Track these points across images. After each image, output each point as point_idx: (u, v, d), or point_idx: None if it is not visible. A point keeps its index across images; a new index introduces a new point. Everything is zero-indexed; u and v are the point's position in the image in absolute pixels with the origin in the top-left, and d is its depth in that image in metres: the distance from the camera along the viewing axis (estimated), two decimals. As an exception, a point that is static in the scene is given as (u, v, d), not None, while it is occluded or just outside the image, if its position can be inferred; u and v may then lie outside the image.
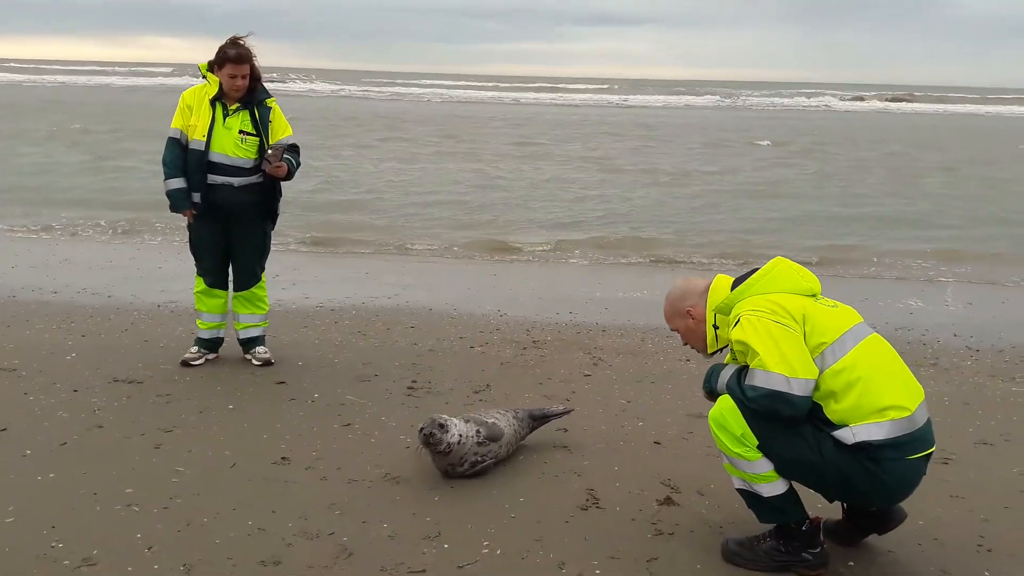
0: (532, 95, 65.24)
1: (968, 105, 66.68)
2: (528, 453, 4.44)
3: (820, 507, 3.59)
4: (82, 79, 67.03)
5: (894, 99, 72.17)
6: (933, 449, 3.21)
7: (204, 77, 5.51)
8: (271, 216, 5.72)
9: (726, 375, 3.34)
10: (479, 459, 4.09)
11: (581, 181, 17.74)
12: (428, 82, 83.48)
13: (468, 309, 7.56)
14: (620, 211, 14.16)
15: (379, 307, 7.54)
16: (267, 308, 5.89)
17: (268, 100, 5.57)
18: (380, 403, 5.12)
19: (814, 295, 3.34)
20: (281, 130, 5.59)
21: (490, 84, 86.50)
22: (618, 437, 4.71)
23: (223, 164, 5.44)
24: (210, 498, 3.84)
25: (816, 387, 3.10)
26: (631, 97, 65.70)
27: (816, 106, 61.74)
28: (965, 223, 13.76)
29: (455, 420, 4.08)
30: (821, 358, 3.12)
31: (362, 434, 4.65)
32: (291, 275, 8.67)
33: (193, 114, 5.44)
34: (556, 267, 10.17)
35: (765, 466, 3.21)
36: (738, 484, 3.34)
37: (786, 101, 66.67)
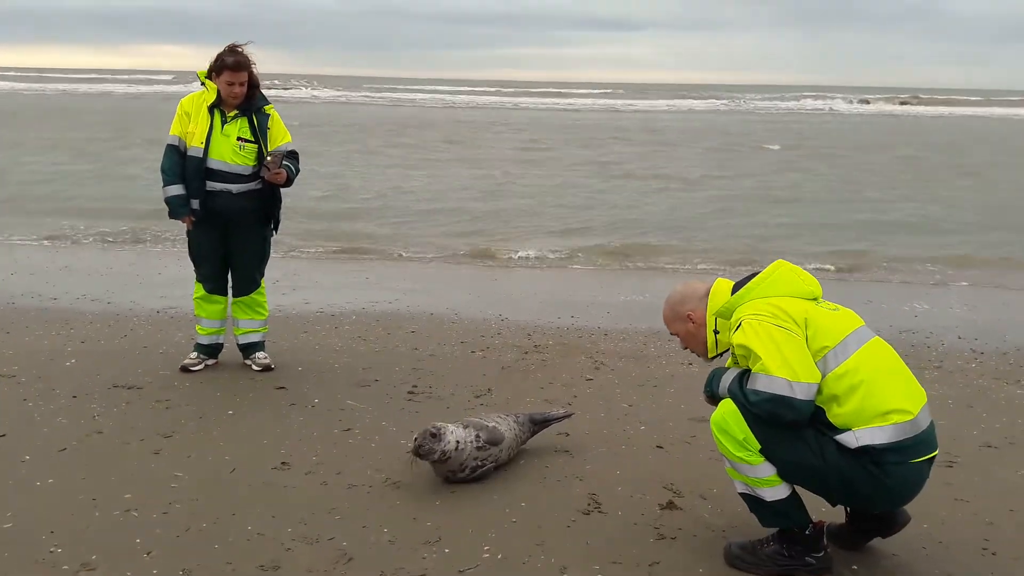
0: (535, 100, 65.28)
1: (974, 108, 66.29)
2: (529, 457, 4.42)
3: (824, 511, 3.56)
4: (83, 87, 67.17)
5: (902, 102, 71.98)
6: (936, 453, 3.20)
7: (203, 84, 5.50)
8: (271, 222, 5.71)
9: (728, 379, 3.32)
10: (479, 463, 4.07)
11: (589, 186, 17.68)
12: (430, 87, 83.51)
13: (469, 314, 7.54)
14: (629, 216, 14.04)
15: (379, 312, 7.52)
16: (267, 314, 5.88)
17: (267, 107, 5.56)
18: (380, 408, 5.10)
19: (815, 298, 3.32)
20: (280, 137, 5.58)
21: (492, 89, 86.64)
22: (620, 441, 4.69)
23: (221, 171, 5.43)
24: (209, 503, 3.83)
25: (819, 391, 3.08)
26: (636, 102, 65.69)
27: (822, 109, 61.69)
28: (977, 228, 13.51)
29: (451, 427, 4.05)
30: (823, 362, 3.10)
31: (362, 439, 4.63)
32: (291, 280, 8.67)
33: (191, 121, 5.43)
34: (558, 272, 10.16)
35: (768, 470, 3.19)
36: (741, 488, 3.32)
37: (790, 104, 66.69)
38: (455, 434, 4.00)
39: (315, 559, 3.38)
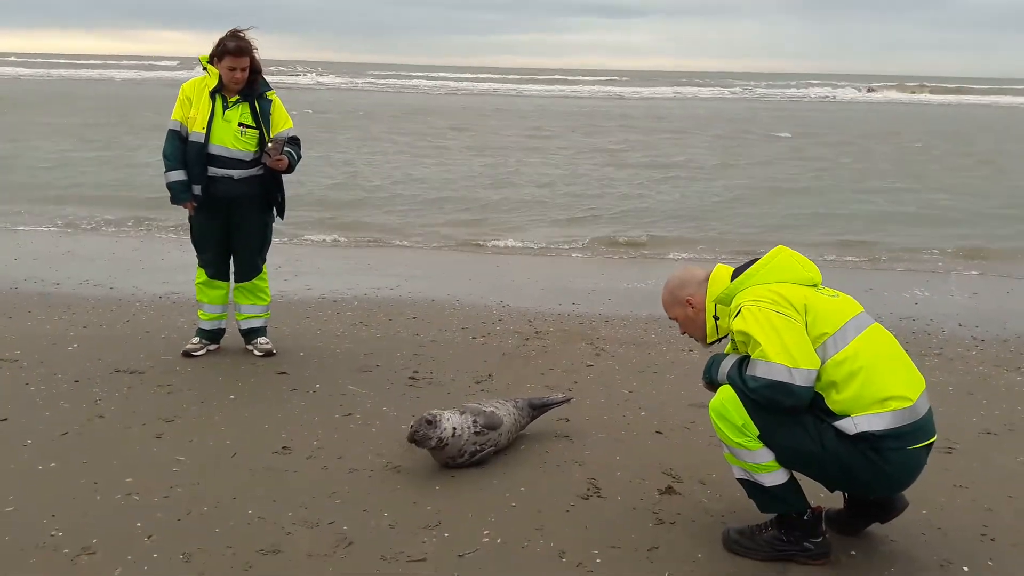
0: (538, 87, 65.08)
1: (983, 96, 65.60)
2: (529, 442, 4.43)
3: (822, 496, 3.57)
4: (85, 73, 67.04)
5: (912, 90, 71.47)
6: (934, 439, 3.20)
7: (204, 69, 5.49)
8: (272, 208, 5.71)
9: (727, 365, 3.32)
10: (478, 448, 4.08)
11: (597, 174, 17.58)
12: (434, 74, 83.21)
13: (471, 300, 7.55)
14: (641, 206, 13.88)
15: (381, 298, 7.53)
16: (269, 299, 5.88)
17: (268, 92, 5.54)
18: (382, 393, 5.11)
19: (815, 285, 3.32)
20: (282, 122, 5.57)
21: (497, 76, 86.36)
22: (620, 427, 4.70)
23: (222, 157, 5.42)
24: (210, 487, 3.84)
25: (818, 377, 3.08)
26: (641, 89, 65.43)
27: (828, 97, 61.41)
28: (990, 218, 13.30)
29: (447, 413, 4.06)
30: (823, 348, 3.10)
31: (363, 424, 4.64)
32: (293, 266, 8.67)
33: (193, 106, 5.42)
34: (559, 259, 10.15)
35: (766, 456, 3.20)
36: (739, 474, 3.33)
37: (797, 92, 66.41)
38: (451, 420, 4.01)
39: (315, 543, 3.40)
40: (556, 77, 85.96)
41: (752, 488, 3.32)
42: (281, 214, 5.77)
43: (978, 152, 23.50)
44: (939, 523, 3.67)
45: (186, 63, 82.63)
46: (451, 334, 6.45)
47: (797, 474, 3.28)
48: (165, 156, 5.48)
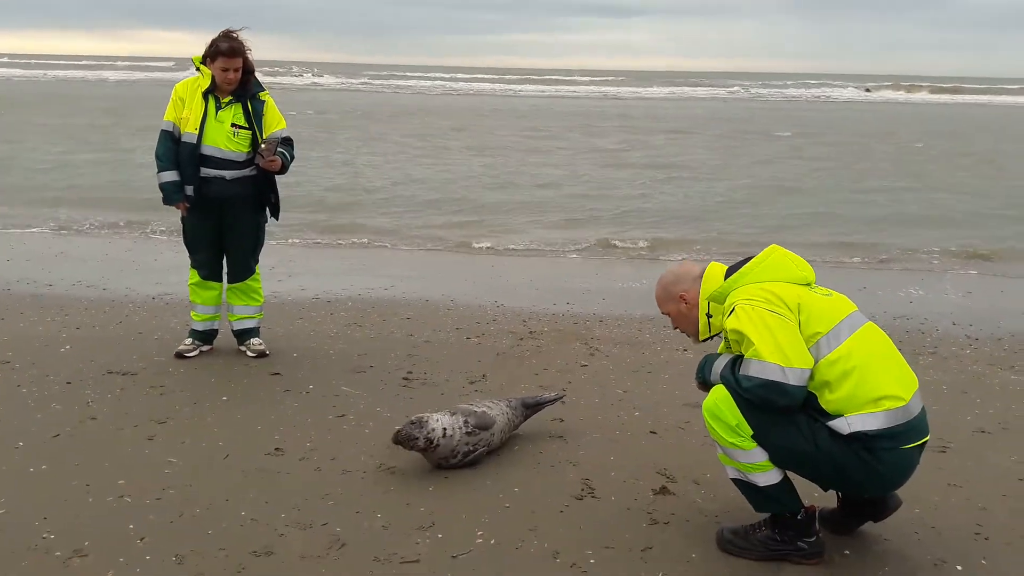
0: (536, 88, 65.07)
1: (980, 96, 65.65)
2: (523, 443, 4.42)
3: (816, 496, 3.57)
4: (79, 74, 66.87)
5: (909, 89, 71.55)
6: (927, 438, 3.20)
7: (197, 70, 5.48)
8: (265, 209, 5.69)
9: (720, 365, 3.32)
10: (471, 448, 4.07)
11: (596, 175, 17.53)
12: (431, 75, 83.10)
13: (465, 300, 7.54)
14: (640, 207, 13.82)
15: (375, 299, 7.52)
16: (262, 300, 5.87)
17: (261, 93, 5.53)
18: (375, 394, 5.10)
19: (808, 284, 3.31)
20: (275, 123, 5.55)
21: (495, 76, 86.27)
22: (614, 427, 4.69)
23: (215, 157, 5.41)
24: (203, 489, 3.83)
25: (811, 377, 3.08)
26: (639, 89, 65.43)
27: (824, 97, 61.44)
28: (990, 219, 13.22)
29: (437, 415, 4.04)
30: (816, 348, 3.10)
31: (356, 425, 4.63)
32: (287, 267, 8.66)
33: (185, 107, 5.41)
34: (554, 259, 10.14)
35: (760, 456, 3.19)
36: (733, 474, 3.32)
37: (793, 92, 66.44)
38: (440, 421, 4.00)
39: (308, 545, 3.39)
40: (552, 78, 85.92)
41: (746, 488, 3.31)
42: (276, 215, 5.75)
43: (977, 152, 23.52)
44: (933, 522, 3.67)
45: (182, 63, 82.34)
46: (445, 334, 6.43)
47: (791, 474, 3.27)
48: (157, 157, 5.47)
